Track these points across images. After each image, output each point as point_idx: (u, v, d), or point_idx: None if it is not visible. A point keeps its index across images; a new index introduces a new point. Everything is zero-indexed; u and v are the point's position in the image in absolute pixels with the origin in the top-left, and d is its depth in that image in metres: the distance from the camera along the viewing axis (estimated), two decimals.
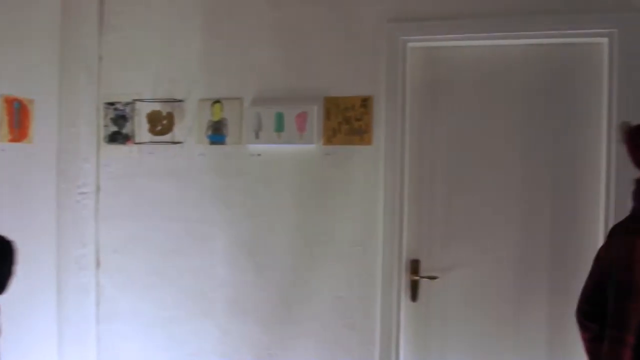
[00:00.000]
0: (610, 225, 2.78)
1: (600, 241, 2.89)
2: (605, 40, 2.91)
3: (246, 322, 3.31)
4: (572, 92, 2.99)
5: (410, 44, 3.11)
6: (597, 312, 1.88)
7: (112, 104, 3.48)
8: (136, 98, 3.43)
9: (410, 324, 3.17)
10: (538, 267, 3.03)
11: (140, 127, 3.44)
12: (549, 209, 3.02)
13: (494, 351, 3.08)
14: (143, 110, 3.44)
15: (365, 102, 3.12)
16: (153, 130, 3.41)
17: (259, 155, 3.28)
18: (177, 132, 3.39)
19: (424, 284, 3.14)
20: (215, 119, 3.33)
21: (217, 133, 3.32)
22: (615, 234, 1.91)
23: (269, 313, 3.28)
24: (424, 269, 3.14)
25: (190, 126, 3.38)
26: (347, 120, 3.14)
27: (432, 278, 3.12)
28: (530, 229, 3.04)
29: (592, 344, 1.93)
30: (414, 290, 3.14)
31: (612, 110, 2.86)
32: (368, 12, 3.14)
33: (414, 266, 3.14)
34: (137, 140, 3.44)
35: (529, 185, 3.04)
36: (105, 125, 3.49)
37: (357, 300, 3.17)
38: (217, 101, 3.32)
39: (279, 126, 3.19)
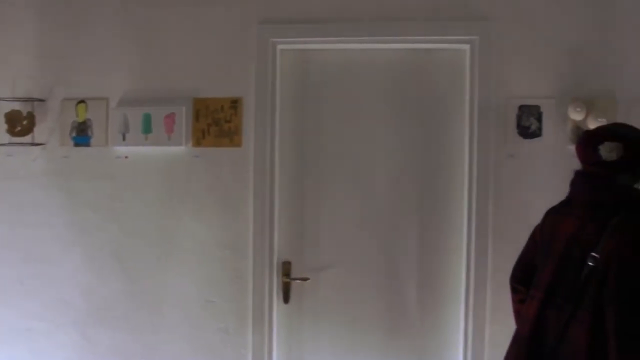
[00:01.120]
0: (473, 221, 2.94)
1: (464, 235, 3.03)
2: (467, 47, 3.02)
3: (115, 330, 3.20)
4: (438, 96, 3.09)
5: (280, 46, 3.10)
6: (527, 279, 2.27)
7: None
8: None
9: (283, 326, 3.17)
10: (406, 264, 3.11)
11: None
12: (415, 208, 3.11)
13: (366, 348, 3.14)
14: (1, 109, 3.24)
15: (235, 104, 3.08)
16: (12, 131, 3.22)
17: (126, 157, 3.17)
18: (39, 133, 3.22)
19: (295, 285, 3.15)
20: (80, 119, 3.18)
21: (81, 134, 3.18)
22: (549, 215, 2.25)
23: (139, 320, 3.18)
24: (296, 271, 3.15)
25: (52, 127, 3.21)
26: (217, 122, 3.09)
27: (304, 279, 3.13)
28: (398, 227, 3.11)
29: (520, 305, 2.30)
30: (286, 292, 3.15)
31: (474, 112, 2.98)
32: (239, 13, 3.10)
33: (286, 268, 3.14)
34: None
35: (397, 185, 3.11)
36: None
37: (229, 303, 3.13)
38: (81, 101, 3.18)
39: (147, 128, 3.10)
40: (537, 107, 2.92)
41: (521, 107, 2.94)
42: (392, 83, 3.11)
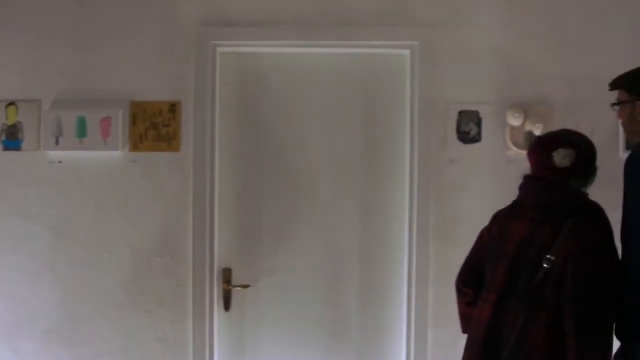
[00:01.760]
0: (415, 225, 2.95)
1: (405, 240, 3.03)
2: (407, 52, 3.04)
3: (49, 342, 3.07)
4: (380, 101, 3.10)
5: (220, 49, 3.05)
6: (474, 281, 2.30)
7: None
8: None
9: (224, 334, 3.11)
10: (348, 269, 3.10)
11: None
12: (357, 213, 3.10)
13: (309, 354, 3.11)
14: None
15: (174, 108, 3.01)
16: None
17: (59, 162, 3.05)
18: None
19: (236, 293, 3.10)
20: (10, 122, 3.05)
21: (12, 138, 3.05)
22: (498, 218, 2.28)
23: (73, 331, 3.06)
24: (237, 278, 3.10)
25: None
26: (155, 126, 3.01)
27: (245, 287, 3.08)
28: (340, 232, 3.10)
29: (467, 308, 2.32)
30: (227, 300, 3.09)
31: (415, 118, 3.01)
32: (178, 15, 3.04)
33: (226, 275, 3.08)
34: None
35: (339, 190, 3.10)
36: None
37: (168, 312, 3.05)
38: (11, 103, 3.05)
39: (82, 132, 3.00)
40: (476, 113, 2.96)
41: (461, 113, 2.97)
42: (335, 87, 3.10)
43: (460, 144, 2.97)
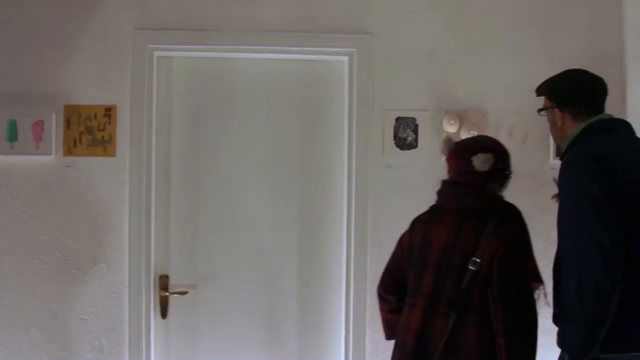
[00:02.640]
0: (352, 230, 2.98)
1: (344, 244, 3.05)
2: (345, 59, 3.06)
3: None
4: (318, 106, 3.12)
5: (157, 53, 3.02)
6: (397, 288, 2.30)
7: None
8: None
9: (161, 342, 3.06)
10: (287, 275, 3.11)
11: None
12: (295, 219, 3.11)
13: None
14: None
15: (109, 112, 2.96)
16: None
17: None
18: None
19: (174, 299, 3.06)
20: None
21: None
22: (418, 223, 2.29)
23: (5, 340, 2.96)
24: (174, 285, 3.05)
25: None
26: (90, 130, 2.95)
27: (182, 293, 3.04)
28: (278, 238, 3.10)
29: (390, 315, 2.34)
30: (163, 307, 3.04)
31: (352, 123, 3.03)
32: (115, 18, 2.99)
33: (163, 282, 3.04)
34: None
35: (277, 195, 3.10)
36: None
37: (103, 320, 2.98)
38: None
39: (12, 135, 2.91)
40: (413, 119, 3.00)
41: (398, 119, 3.01)
42: (273, 93, 3.10)
43: (397, 150, 3.01)
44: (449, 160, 2.27)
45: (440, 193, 2.29)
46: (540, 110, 2.29)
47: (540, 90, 2.29)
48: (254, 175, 3.10)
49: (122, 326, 2.99)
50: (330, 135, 3.10)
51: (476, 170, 2.15)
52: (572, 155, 2.09)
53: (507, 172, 2.22)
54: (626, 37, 3.10)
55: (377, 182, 3.01)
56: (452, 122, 2.94)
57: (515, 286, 2.06)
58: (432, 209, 2.30)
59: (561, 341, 2.03)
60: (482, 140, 2.27)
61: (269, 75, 3.10)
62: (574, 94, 2.19)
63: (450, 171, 2.27)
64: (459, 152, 2.22)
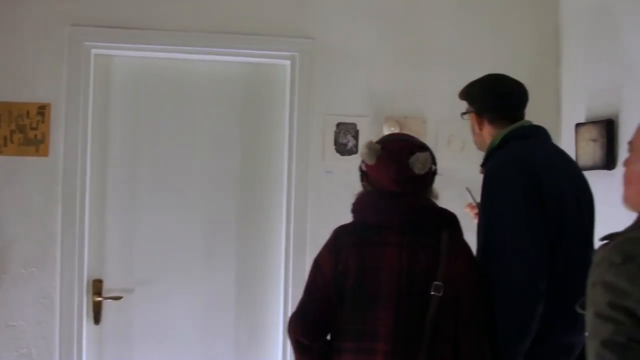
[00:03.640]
0: (292, 236, 2.95)
1: (282, 251, 3.01)
2: (288, 63, 3.06)
3: None
4: (261, 110, 3.11)
5: (95, 51, 2.95)
6: (321, 330, 1.84)
7: None
8: None
9: (94, 349, 2.97)
10: (225, 277, 3.06)
11: None
12: (235, 222, 3.08)
13: None
14: None
15: (43, 110, 2.87)
16: None
17: None
18: None
19: (107, 304, 2.98)
20: None
21: None
22: (344, 248, 1.82)
23: None
24: (108, 289, 2.98)
25: None
26: (21, 129, 2.86)
27: (116, 298, 2.97)
28: (217, 241, 3.07)
29: None
30: (96, 312, 2.96)
31: (293, 128, 3.03)
32: (51, 13, 2.90)
33: (97, 286, 2.96)
34: None
35: (217, 198, 3.07)
36: None
37: (33, 326, 2.88)
38: None
39: None
40: (353, 125, 3.02)
41: (339, 125, 3.02)
42: (215, 95, 3.08)
43: (338, 155, 3.02)
44: (376, 167, 1.85)
45: (369, 208, 1.88)
46: (463, 114, 2.25)
47: (461, 95, 2.25)
48: (193, 178, 3.05)
49: (52, 333, 2.89)
50: (271, 139, 3.09)
51: (417, 173, 1.81)
52: (497, 163, 2.04)
53: (436, 174, 1.91)
54: (562, 44, 3.19)
55: (317, 187, 3.01)
56: (392, 128, 2.97)
57: (483, 305, 1.82)
58: (363, 228, 1.85)
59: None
60: (407, 139, 1.93)
61: (212, 77, 3.07)
62: (491, 99, 2.16)
63: (379, 180, 1.86)
64: (392, 156, 1.84)
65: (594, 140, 2.86)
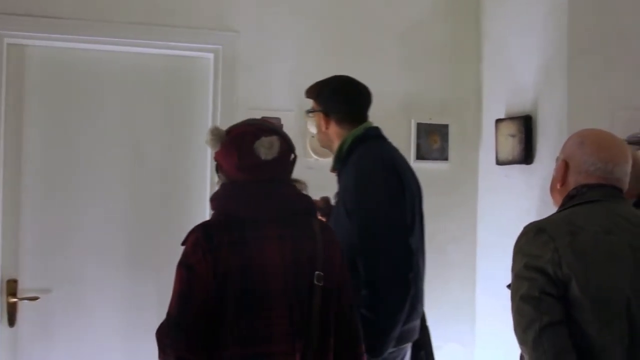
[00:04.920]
0: None
1: None
2: (211, 55, 3.03)
3: None
4: (185, 104, 3.05)
5: (7, 40, 2.83)
6: (203, 339, 1.65)
7: None
8: None
9: (8, 353, 2.84)
10: (149, 276, 2.99)
11: None
12: (158, 218, 3.02)
13: None
14: None
15: None
16: None
17: None
18: None
19: (23, 306, 2.86)
20: None
21: None
22: (217, 248, 1.68)
23: None
24: (24, 289, 2.86)
25: None
26: None
27: (33, 299, 2.85)
28: (138, 238, 3.00)
29: None
30: (11, 314, 2.84)
31: (216, 121, 2.98)
32: None
33: (11, 287, 2.83)
34: None
35: (138, 193, 3.00)
36: None
37: None
38: None
39: None
40: (277, 119, 2.99)
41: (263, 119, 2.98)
42: (137, 88, 3.00)
43: None
44: (223, 154, 1.77)
45: (233, 200, 1.76)
46: (308, 112, 2.34)
47: (308, 94, 2.32)
48: (115, 172, 2.98)
49: None
50: (194, 133, 3.04)
51: (263, 160, 1.71)
52: (366, 161, 2.15)
53: (294, 157, 1.85)
54: (483, 44, 3.27)
55: None
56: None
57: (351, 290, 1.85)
58: (236, 223, 1.71)
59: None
60: (255, 123, 1.83)
61: (133, 69, 3.00)
62: (342, 101, 2.27)
63: (231, 169, 1.76)
64: (235, 141, 1.75)
65: (513, 136, 2.94)
